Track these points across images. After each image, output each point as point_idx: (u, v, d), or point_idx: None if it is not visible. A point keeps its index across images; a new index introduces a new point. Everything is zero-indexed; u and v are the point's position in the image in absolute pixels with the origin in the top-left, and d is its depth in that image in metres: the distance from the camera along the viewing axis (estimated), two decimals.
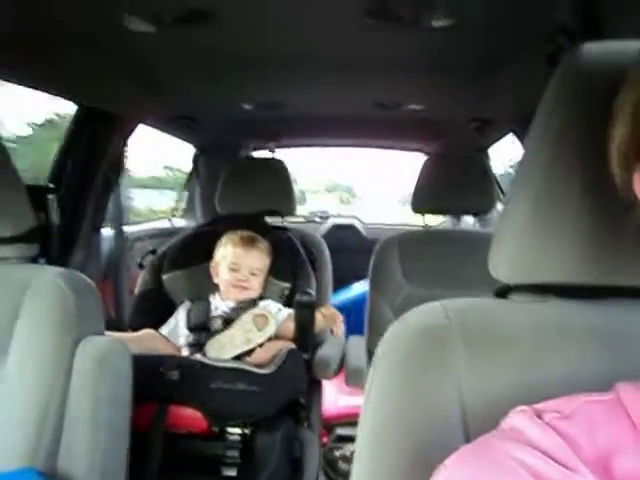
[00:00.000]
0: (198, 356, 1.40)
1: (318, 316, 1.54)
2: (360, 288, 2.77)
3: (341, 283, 2.12)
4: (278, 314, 1.55)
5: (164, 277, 1.70)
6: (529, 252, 0.51)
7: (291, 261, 1.72)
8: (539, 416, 0.40)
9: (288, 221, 1.95)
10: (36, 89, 1.41)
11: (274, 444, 1.25)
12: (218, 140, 2.60)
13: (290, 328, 1.50)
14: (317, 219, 3.43)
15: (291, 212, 1.89)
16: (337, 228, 3.20)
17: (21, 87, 1.31)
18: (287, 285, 1.68)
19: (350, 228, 3.23)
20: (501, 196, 2.20)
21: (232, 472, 1.22)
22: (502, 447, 0.37)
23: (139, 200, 3.02)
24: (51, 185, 1.57)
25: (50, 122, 2.42)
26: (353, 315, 1.88)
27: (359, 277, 2.72)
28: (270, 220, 1.90)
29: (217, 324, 1.49)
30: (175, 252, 1.73)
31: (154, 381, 1.20)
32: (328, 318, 1.55)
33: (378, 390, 0.52)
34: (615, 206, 0.44)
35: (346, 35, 1.23)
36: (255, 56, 1.41)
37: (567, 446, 0.37)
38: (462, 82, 1.58)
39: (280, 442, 1.27)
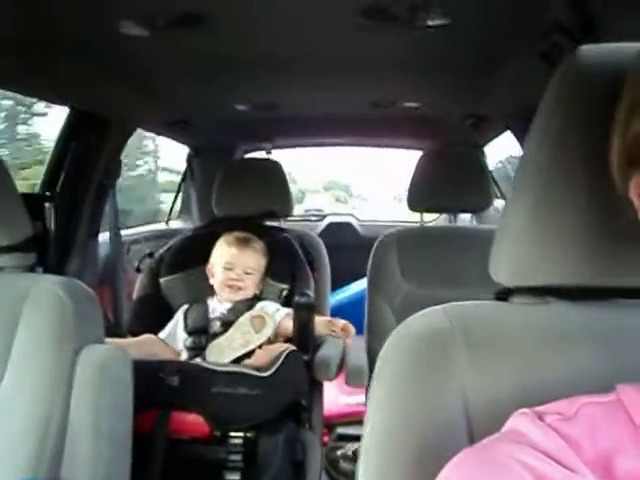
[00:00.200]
0: (198, 360, 1.39)
1: (319, 323, 1.55)
2: (358, 287, 2.77)
3: (338, 282, 2.12)
4: (276, 314, 1.55)
5: (162, 281, 1.69)
6: (529, 255, 0.51)
7: (289, 262, 1.71)
8: (540, 418, 0.40)
9: (283, 220, 1.95)
10: (29, 95, 1.40)
11: (277, 447, 1.25)
12: (213, 141, 2.60)
13: (289, 327, 1.50)
14: (312, 218, 3.43)
15: (288, 213, 1.89)
16: (333, 226, 3.20)
17: None
18: (285, 286, 1.67)
19: (346, 226, 3.22)
20: (498, 193, 2.21)
21: (235, 476, 1.22)
22: (504, 449, 0.38)
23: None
24: (48, 193, 1.56)
25: None
26: (352, 315, 1.88)
27: (356, 275, 2.72)
28: (267, 220, 1.89)
29: (215, 326, 1.49)
30: (172, 255, 1.72)
31: (154, 387, 1.19)
32: (338, 333, 1.55)
33: (382, 395, 0.53)
34: (613, 208, 0.44)
35: (340, 35, 1.22)
36: (249, 58, 1.40)
37: (568, 447, 0.37)
38: (457, 79, 1.58)
39: (282, 445, 1.26)
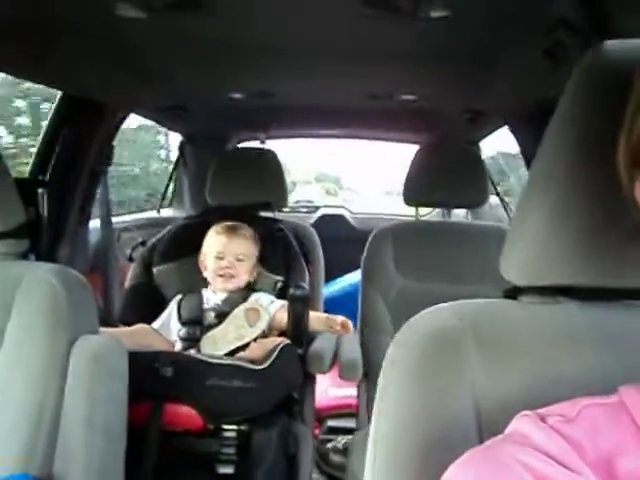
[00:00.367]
0: (192, 351, 1.38)
1: (316, 319, 1.54)
2: (350, 279, 2.77)
3: (331, 274, 2.12)
4: (270, 306, 1.54)
5: (155, 270, 1.68)
6: (541, 255, 0.51)
7: (284, 254, 1.71)
8: (543, 420, 0.40)
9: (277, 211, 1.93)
10: (21, 77, 1.36)
11: (270, 441, 1.25)
12: (207, 129, 2.57)
13: (283, 319, 1.50)
14: (303, 209, 3.41)
15: (283, 204, 1.87)
16: (326, 218, 3.19)
17: None
18: (280, 278, 1.66)
19: (339, 218, 3.22)
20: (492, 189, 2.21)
21: (229, 469, 1.22)
22: (507, 450, 0.38)
23: None
24: (41, 178, 1.53)
25: None
26: (344, 307, 1.88)
27: (349, 268, 2.72)
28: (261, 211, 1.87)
29: (210, 317, 1.48)
30: (165, 244, 1.70)
31: (148, 378, 1.18)
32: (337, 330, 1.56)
33: (392, 393, 0.52)
34: (623, 209, 0.44)
35: (340, 24, 1.21)
36: (246, 44, 1.38)
37: (571, 449, 0.38)
38: (457, 73, 1.57)
39: (276, 438, 1.26)
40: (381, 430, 0.52)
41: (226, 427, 1.24)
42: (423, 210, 1.96)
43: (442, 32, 1.22)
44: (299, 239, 1.79)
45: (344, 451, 1.90)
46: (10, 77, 1.37)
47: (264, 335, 1.46)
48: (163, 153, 3.78)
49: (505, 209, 2.28)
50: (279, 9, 1.14)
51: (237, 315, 1.42)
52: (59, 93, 1.65)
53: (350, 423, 1.94)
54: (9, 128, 2.60)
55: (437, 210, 2.84)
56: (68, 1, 1.07)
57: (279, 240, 1.73)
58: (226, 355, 1.36)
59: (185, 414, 1.20)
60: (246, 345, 1.40)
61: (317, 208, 3.39)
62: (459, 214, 2.46)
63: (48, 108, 1.84)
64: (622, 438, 0.38)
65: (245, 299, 1.54)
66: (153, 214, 2.68)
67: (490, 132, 2.24)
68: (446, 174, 1.67)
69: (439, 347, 0.52)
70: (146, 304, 1.62)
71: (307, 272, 1.73)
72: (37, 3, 1.06)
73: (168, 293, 1.65)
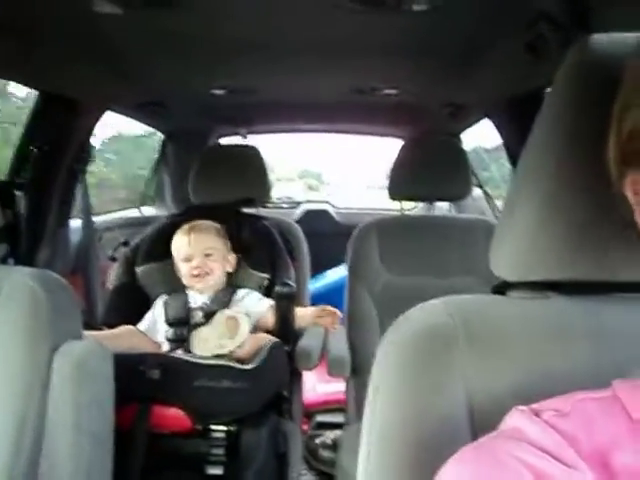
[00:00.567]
0: (179, 352, 1.37)
1: (302, 315, 1.53)
2: (335, 275, 2.77)
3: (316, 269, 2.11)
4: (259, 304, 1.53)
5: (138, 270, 1.65)
6: (530, 250, 0.51)
7: (269, 251, 1.69)
8: (537, 415, 0.40)
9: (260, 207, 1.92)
10: None
11: (260, 440, 1.24)
12: (187, 126, 2.54)
13: (270, 320, 1.49)
14: (284, 205, 3.40)
15: (267, 200, 1.86)
16: (310, 214, 3.18)
17: None
18: (266, 276, 1.65)
19: (323, 213, 3.21)
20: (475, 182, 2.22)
21: (218, 470, 1.21)
22: (502, 446, 0.38)
23: None
24: (18, 180, 1.49)
25: None
26: (331, 303, 1.87)
27: (333, 263, 2.72)
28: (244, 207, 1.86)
29: (197, 317, 1.46)
30: (149, 244, 1.68)
31: (135, 381, 1.16)
32: (326, 322, 1.55)
33: (384, 391, 0.52)
34: (611, 204, 0.44)
35: (322, 18, 1.20)
36: (226, 39, 1.36)
37: (566, 443, 0.38)
38: (439, 66, 1.57)
39: (266, 438, 1.26)
40: (374, 428, 0.52)
41: (214, 428, 1.23)
42: (407, 204, 1.97)
43: (424, 26, 1.22)
44: (284, 235, 1.78)
45: (333, 446, 1.90)
46: None
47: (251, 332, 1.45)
48: None
49: (488, 201, 2.30)
50: (259, 3, 1.13)
51: (219, 321, 1.40)
52: None
53: (338, 418, 1.94)
54: None
55: (421, 204, 2.86)
56: None
57: (264, 237, 1.72)
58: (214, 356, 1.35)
59: (173, 416, 1.19)
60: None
61: (299, 204, 3.37)
62: (442, 207, 2.47)
63: None
64: (617, 432, 0.39)
65: (231, 295, 1.53)
66: (134, 213, 2.64)
67: (471, 124, 2.25)
68: (429, 168, 1.67)
69: (430, 344, 0.52)
70: (130, 305, 1.59)
71: (292, 268, 1.72)
72: (12, 0, 1.03)
73: (152, 293, 1.62)
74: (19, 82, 1.45)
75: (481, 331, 0.52)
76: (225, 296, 1.52)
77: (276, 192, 3.94)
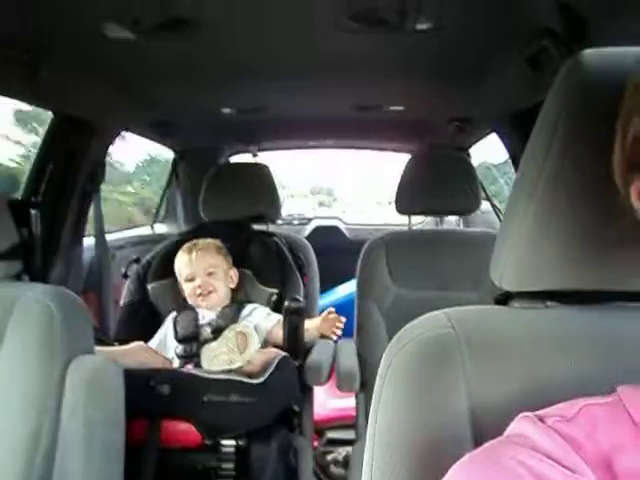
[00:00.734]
0: (189, 367, 1.38)
1: (311, 327, 1.54)
2: (346, 290, 2.77)
3: (325, 285, 2.12)
4: (267, 319, 1.54)
5: (149, 287, 1.67)
6: (531, 260, 0.52)
7: (278, 267, 1.71)
8: (542, 421, 0.41)
9: (270, 224, 1.93)
10: (12, 98, 1.37)
11: (269, 454, 1.24)
12: (198, 144, 2.58)
13: (279, 335, 1.49)
14: (295, 222, 3.41)
15: (276, 217, 1.88)
16: (320, 230, 3.19)
17: None
18: (275, 291, 1.66)
19: (333, 229, 3.22)
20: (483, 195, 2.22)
21: None
22: (507, 451, 0.38)
23: None
24: (34, 199, 1.53)
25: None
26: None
27: (343, 279, 2.72)
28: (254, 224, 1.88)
29: (206, 333, 1.47)
30: (160, 261, 1.70)
31: (145, 396, 1.17)
32: (326, 326, 1.55)
33: (387, 400, 0.53)
34: (613, 213, 0.44)
35: (327, 38, 1.22)
36: (234, 61, 1.40)
37: (570, 448, 0.38)
38: (444, 83, 1.59)
39: (276, 452, 1.25)
40: (377, 436, 0.52)
41: (224, 442, 1.23)
42: (415, 219, 1.97)
43: (428, 44, 1.24)
44: (293, 251, 1.80)
45: (344, 463, 1.89)
46: None
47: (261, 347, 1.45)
48: None
49: (497, 214, 2.29)
50: (264, 27, 1.16)
51: (229, 337, 1.41)
52: None
53: (349, 434, 1.93)
54: None
55: (430, 218, 2.86)
56: (58, 22, 1.08)
57: (274, 253, 1.73)
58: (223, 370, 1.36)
59: (183, 431, 1.19)
60: None
61: (309, 220, 3.39)
62: (450, 221, 2.47)
63: None
64: (621, 436, 0.39)
65: (239, 311, 1.54)
66: (147, 230, 2.67)
67: (479, 139, 2.26)
68: (438, 182, 1.68)
69: (433, 354, 0.52)
70: (141, 321, 1.61)
71: (302, 284, 1.73)
72: (27, 24, 1.07)
73: (163, 310, 1.64)
74: (34, 104, 1.49)
75: (483, 341, 0.52)
76: (233, 312, 1.53)
77: (288, 208, 3.99)
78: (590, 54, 0.49)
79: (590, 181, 0.47)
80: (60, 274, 1.71)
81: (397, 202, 1.74)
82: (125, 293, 1.69)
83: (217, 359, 1.34)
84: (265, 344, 1.50)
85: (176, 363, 1.44)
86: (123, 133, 1.99)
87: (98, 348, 0.95)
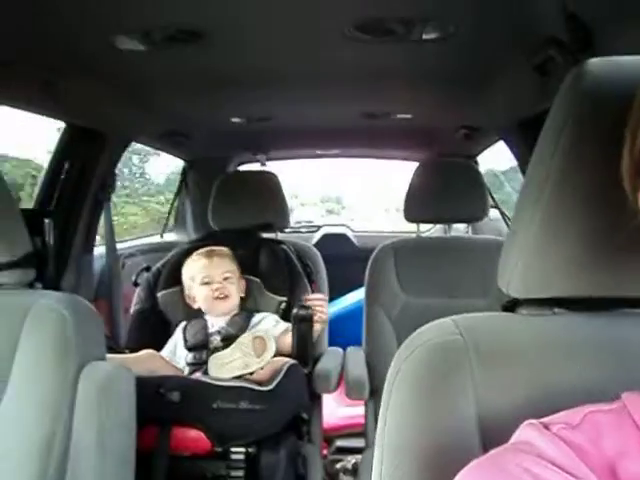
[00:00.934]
0: (198, 375, 1.38)
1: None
2: (355, 298, 2.76)
3: (334, 293, 2.12)
4: (276, 327, 1.54)
5: (159, 295, 1.68)
6: (537, 267, 0.52)
7: (287, 275, 1.71)
8: (547, 428, 0.41)
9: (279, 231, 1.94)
10: (25, 109, 1.39)
11: (279, 462, 1.24)
12: (207, 154, 2.60)
13: (287, 343, 1.49)
14: (303, 230, 3.42)
15: (285, 225, 1.89)
16: (328, 237, 3.19)
17: None
18: (283, 299, 1.67)
19: (341, 237, 3.22)
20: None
21: None
22: (512, 459, 0.38)
23: None
24: (48, 208, 1.56)
25: None
26: (349, 326, 1.88)
27: (352, 287, 2.71)
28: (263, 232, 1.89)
29: (216, 341, 1.48)
30: (170, 269, 1.71)
31: (155, 403, 1.18)
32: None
33: (396, 406, 0.53)
34: (621, 220, 0.45)
35: (335, 48, 1.23)
36: (244, 72, 1.41)
37: (575, 455, 0.38)
38: (452, 91, 1.60)
39: (285, 459, 1.25)
40: (387, 441, 0.52)
41: (234, 449, 1.23)
42: (423, 226, 1.97)
43: (435, 53, 1.25)
44: (302, 259, 1.80)
45: (354, 471, 1.88)
46: None
47: None
48: None
49: (505, 221, 2.29)
50: (273, 38, 1.17)
51: (244, 343, 1.41)
52: None
53: (358, 443, 1.92)
54: None
55: (438, 226, 2.86)
56: (69, 34, 1.10)
57: (282, 261, 1.74)
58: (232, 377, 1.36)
59: (193, 438, 1.20)
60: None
61: (318, 228, 3.40)
62: (459, 228, 2.47)
63: None
64: (625, 442, 0.39)
65: (249, 319, 1.55)
66: (156, 239, 2.70)
67: (487, 147, 2.26)
68: (446, 190, 1.68)
69: (441, 360, 0.53)
70: (151, 329, 1.62)
71: (311, 292, 1.73)
72: (38, 36, 1.09)
73: (173, 317, 1.66)
74: (47, 115, 1.52)
75: (490, 347, 0.53)
76: (243, 320, 1.54)
77: (297, 216, 4.00)
78: (596, 63, 0.49)
79: (596, 187, 0.47)
80: (71, 282, 1.73)
81: (406, 210, 1.75)
82: (135, 301, 1.70)
83: (229, 365, 1.35)
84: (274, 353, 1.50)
85: (186, 372, 1.44)
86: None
87: (109, 355, 0.96)
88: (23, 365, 0.82)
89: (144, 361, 1.38)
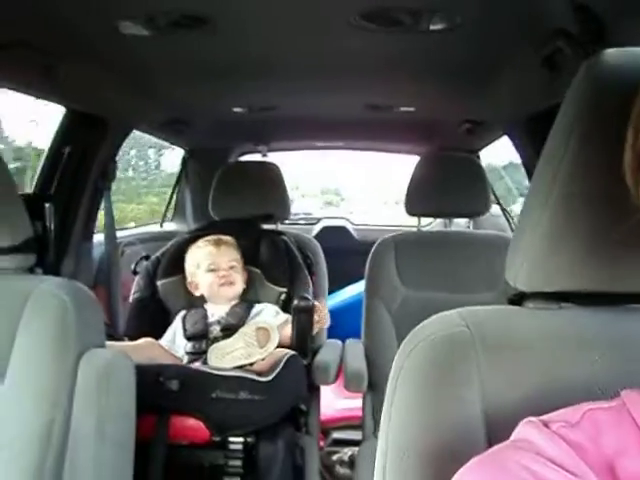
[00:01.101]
0: (198, 364, 1.38)
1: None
2: (354, 291, 2.77)
3: (333, 285, 2.12)
4: (276, 318, 1.54)
5: (159, 284, 1.68)
6: (546, 261, 0.52)
7: (287, 266, 1.71)
8: (546, 426, 0.41)
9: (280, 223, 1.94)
10: (26, 93, 1.38)
11: (277, 452, 1.24)
12: (209, 143, 2.59)
13: (287, 334, 1.49)
14: (301, 222, 3.41)
15: (285, 216, 1.88)
16: (328, 230, 3.19)
17: None
18: (283, 290, 1.67)
19: (341, 230, 3.22)
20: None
21: None
22: (512, 456, 0.38)
23: None
24: (49, 192, 1.55)
25: None
26: (348, 319, 1.88)
27: (351, 279, 2.71)
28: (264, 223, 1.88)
29: (215, 331, 1.48)
30: (170, 258, 1.71)
31: (153, 391, 1.17)
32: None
33: (401, 399, 0.53)
34: (628, 215, 0.44)
35: (340, 38, 1.22)
36: (247, 60, 1.40)
37: (574, 453, 0.38)
38: (456, 84, 1.58)
39: (283, 450, 1.26)
40: (391, 436, 0.52)
41: (232, 439, 1.23)
42: (423, 220, 1.97)
43: (441, 44, 1.24)
44: (302, 250, 1.80)
45: (350, 463, 1.89)
46: None
47: None
48: None
49: (506, 217, 2.29)
50: (278, 26, 1.16)
51: (247, 333, 1.41)
52: None
53: (354, 435, 1.93)
54: None
55: (438, 220, 2.85)
56: (72, 18, 1.09)
57: (283, 252, 1.74)
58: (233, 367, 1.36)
59: (191, 427, 1.20)
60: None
61: (318, 220, 3.39)
62: (459, 223, 2.47)
63: None
64: (625, 440, 0.39)
65: (249, 310, 1.54)
66: (156, 228, 2.69)
67: (490, 142, 2.25)
68: (448, 184, 1.67)
69: (447, 353, 0.52)
70: (150, 317, 1.62)
71: (311, 283, 1.73)
72: (42, 20, 1.08)
73: (172, 306, 1.65)
74: (47, 99, 1.50)
75: (497, 341, 0.52)
76: (243, 310, 1.54)
77: (297, 207, 4.00)
78: (612, 53, 0.49)
79: (605, 183, 0.46)
80: (71, 269, 1.73)
81: (407, 203, 1.74)
82: (134, 289, 1.69)
83: (230, 355, 1.35)
84: None
85: (185, 361, 1.44)
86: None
87: (108, 343, 0.95)
88: (23, 350, 0.81)
89: (143, 349, 1.38)
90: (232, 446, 1.23)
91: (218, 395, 1.19)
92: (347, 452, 1.95)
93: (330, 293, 2.14)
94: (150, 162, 3.83)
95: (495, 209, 2.26)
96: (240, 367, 1.35)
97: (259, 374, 1.29)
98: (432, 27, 1.12)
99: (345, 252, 2.44)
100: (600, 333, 0.52)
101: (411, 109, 1.93)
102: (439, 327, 0.55)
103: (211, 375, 1.24)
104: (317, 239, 1.97)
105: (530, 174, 1.82)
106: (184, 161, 2.71)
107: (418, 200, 1.73)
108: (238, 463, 1.22)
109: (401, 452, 0.51)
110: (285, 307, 1.61)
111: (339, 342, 1.72)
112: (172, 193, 2.75)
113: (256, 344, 1.36)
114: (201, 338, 1.46)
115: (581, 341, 0.52)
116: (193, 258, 1.61)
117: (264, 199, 1.82)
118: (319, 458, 1.57)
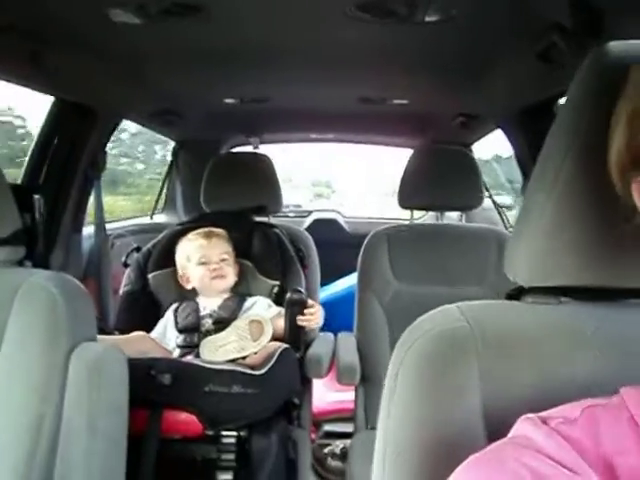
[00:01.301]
0: (190, 358, 1.37)
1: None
2: (345, 284, 2.77)
3: (324, 278, 2.12)
4: (268, 311, 1.53)
5: (150, 276, 1.66)
6: (546, 255, 0.52)
7: (280, 258, 1.70)
8: (545, 422, 0.41)
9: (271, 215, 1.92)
10: (15, 82, 1.35)
11: (270, 446, 1.24)
12: (200, 135, 2.56)
13: (279, 327, 1.49)
14: (291, 214, 3.40)
15: (278, 209, 1.87)
16: (319, 222, 3.18)
17: None
18: (276, 283, 1.66)
19: (332, 222, 3.21)
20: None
21: (228, 476, 1.21)
22: (510, 453, 0.39)
23: None
24: (37, 183, 1.52)
25: None
26: (340, 312, 1.87)
27: (342, 272, 2.71)
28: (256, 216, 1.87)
29: (207, 324, 1.47)
30: (160, 251, 1.69)
31: (146, 385, 1.16)
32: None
33: (400, 394, 0.53)
34: (627, 210, 0.44)
35: (333, 29, 1.21)
36: (240, 49, 1.38)
37: (572, 449, 0.38)
38: (450, 77, 1.58)
39: (276, 444, 1.25)
40: (390, 431, 0.52)
41: (225, 433, 1.23)
42: (416, 213, 1.97)
43: (436, 36, 1.23)
44: (294, 243, 1.79)
45: (342, 456, 1.89)
46: None
47: None
48: None
49: (498, 212, 2.29)
50: (272, 15, 1.15)
51: (240, 326, 1.40)
52: None
53: (346, 427, 1.93)
54: None
55: (430, 213, 2.86)
56: (62, 6, 1.07)
57: (275, 244, 1.73)
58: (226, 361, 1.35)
59: (184, 421, 1.19)
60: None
61: (309, 213, 3.38)
62: (451, 216, 2.47)
63: None
64: (623, 437, 0.39)
65: (241, 303, 1.53)
66: (146, 220, 2.66)
67: (483, 135, 2.26)
68: (441, 177, 1.67)
69: (447, 348, 0.52)
70: (141, 310, 1.61)
71: (303, 276, 1.72)
72: (30, 8, 1.05)
73: (163, 299, 1.64)
74: (35, 89, 1.47)
75: (496, 335, 0.52)
76: (235, 304, 1.53)
77: (286, 199, 3.97)
78: (614, 46, 0.48)
79: (605, 179, 0.46)
80: (60, 261, 1.71)
81: (400, 196, 1.73)
82: (125, 282, 1.68)
83: (223, 348, 1.34)
84: None
85: (176, 354, 1.43)
86: None
87: (99, 337, 0.94)
88: (12, 344, 0.80)
89: (134, 342, 1.37)
90: (225, 440, 1.23)
91: (211, 389, 1.19)
92: (339, 444, 1.96)
93: (321, 286, 2.14)
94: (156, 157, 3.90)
95: (486, 202, 2.26)
96: (233, 360, 1.34)
97: (252, 367, 1.28)
98: (427, 19, 1.11)
99: (336, 245, 2.43)
100: (601, 328, 0.52)
101: (405, 102, 1.93)
102: (439, 322, 0.55)
103: (204, 369, 1.23)
104: (308, 232, 1.96)
105: (523, 167, 1.83)
106: (175, 152, 2.68)
107: (411, 193, 1.72)
108: (231, 457, 1.22)
109: (400, 447, 0.51)
110: (278, 300, 1.60)
111: (331, 335, 1.72)
112: (162, 185, 2.72)
113: (249, 337, 1.36)
114: (193, 331, 1.45)
115: (582, 336, 0.52)
116: (184, 251, 1.59)
117: (256, 191, 1.81)
118: (311, 451, 1.58)
